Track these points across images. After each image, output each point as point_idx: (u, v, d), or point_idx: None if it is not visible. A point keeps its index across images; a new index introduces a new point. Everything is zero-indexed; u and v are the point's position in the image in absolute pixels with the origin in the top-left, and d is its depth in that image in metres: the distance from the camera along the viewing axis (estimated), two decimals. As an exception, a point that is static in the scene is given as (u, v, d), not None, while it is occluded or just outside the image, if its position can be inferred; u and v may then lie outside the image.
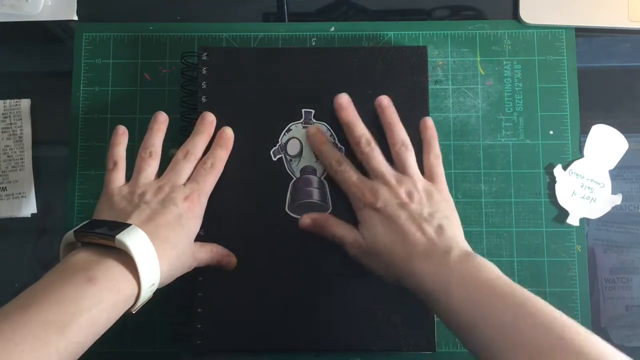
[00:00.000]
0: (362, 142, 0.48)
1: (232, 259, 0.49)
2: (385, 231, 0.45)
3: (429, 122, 0.50)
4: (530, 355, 0.36)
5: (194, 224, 0.46)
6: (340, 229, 0.48)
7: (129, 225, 0.41)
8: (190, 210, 0.46)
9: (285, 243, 0.50)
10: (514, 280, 0.52)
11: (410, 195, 0.46)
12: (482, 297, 0.40)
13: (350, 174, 0.48)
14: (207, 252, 0.48)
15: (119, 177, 0.48)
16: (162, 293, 0.43)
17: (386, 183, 0.47)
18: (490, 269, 0.42)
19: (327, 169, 0.50)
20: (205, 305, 0.49)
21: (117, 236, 0.39)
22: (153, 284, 0.41)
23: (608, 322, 0.53)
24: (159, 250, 0.41)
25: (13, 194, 0.55)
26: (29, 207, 0.55)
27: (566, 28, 0.56)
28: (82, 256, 0.40)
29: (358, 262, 0.47)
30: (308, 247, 0.50)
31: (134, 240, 0.39)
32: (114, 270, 0.39)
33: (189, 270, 0.47)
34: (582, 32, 0.56)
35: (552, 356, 0.35)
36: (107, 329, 0.38)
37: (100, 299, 0.37)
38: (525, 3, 0.56)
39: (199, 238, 0.48)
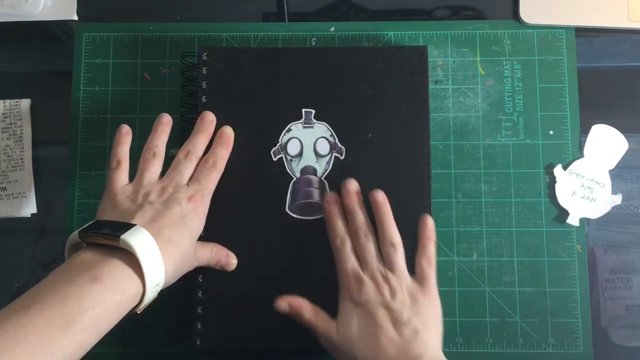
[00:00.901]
0: (360, 232, 0.48)
1: (232, 259, 0.49)
2: (360, 327, 0.45)
3: (429, 222, 0.49)
4: None
5: (198, 224, 0.46)
6: (315, 318, 0.47)
7: (133, 225, 0.41)
8: (193, 211, 0.45)
9: (285, 243, 0.50)
10: (514, 280, 0.52)
11: (393, 294, 0.45)
12: None
13: (346, 258, 0.47)
14: (208, 252, 0.48)
15: (122, 176, 0.48)
16: (163, 293, 0.43)
17: (373, 278, 0.46)
18: None
19: (331, 242, 0.49)
20: (205, 305, 0.49)
21: (122, 236, 0.39)
22: (158, 284, 0.41)
23: (608, 322, 0.53)
24: (163, 250, 0.41)
25: (13, 194, 0.55)
26: (29, 207, 0.55)
27: (566, 28, 0.56)
28: (86, 256, 0.40)
29: (327, 351, 0.46)
30: (308, 248, 0.50)
31: (139, 240, 0.39)
32: (119, 270, 0.39)
33: (191, 269, 0.47)
34: (582, 32, 0.56)
35: None
36: (110, 328, 0.38)
37: (104, 298, 0.37)
38: (525, 3, 0.56)
39: (199, 238, 0.48)
